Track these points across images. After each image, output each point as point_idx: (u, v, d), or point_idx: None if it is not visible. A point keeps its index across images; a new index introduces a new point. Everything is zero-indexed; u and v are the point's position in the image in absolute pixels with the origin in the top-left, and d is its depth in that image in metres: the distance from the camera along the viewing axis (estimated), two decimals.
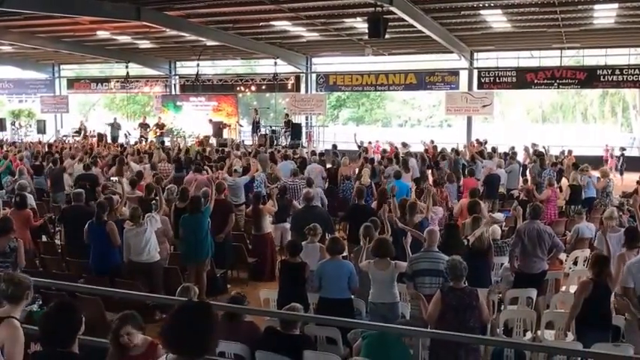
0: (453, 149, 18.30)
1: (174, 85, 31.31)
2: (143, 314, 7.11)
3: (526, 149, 18.03)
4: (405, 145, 20.07)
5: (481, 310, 5.25)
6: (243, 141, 26.34)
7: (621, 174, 20.28)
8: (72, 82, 33.34)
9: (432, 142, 20.95)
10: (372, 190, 11.58)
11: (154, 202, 9.21)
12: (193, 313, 2.78)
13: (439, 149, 18.63)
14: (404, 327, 5.38)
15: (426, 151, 18.57)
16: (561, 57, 24.95)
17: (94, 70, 34.30)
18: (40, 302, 6.68)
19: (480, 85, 25.61)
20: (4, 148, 19.56)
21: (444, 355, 5.08)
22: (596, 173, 13.35)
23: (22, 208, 8.96)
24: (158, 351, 4.00)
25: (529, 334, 6.38)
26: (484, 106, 25.66)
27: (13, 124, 31.35)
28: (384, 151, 19.16)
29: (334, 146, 20.16)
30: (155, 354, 3.98)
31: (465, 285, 5.31)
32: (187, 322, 2.73)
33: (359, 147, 19.01)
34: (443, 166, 15.24)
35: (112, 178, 12.41)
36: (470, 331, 5.07)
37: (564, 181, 14.45)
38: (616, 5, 16.84)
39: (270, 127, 27.85)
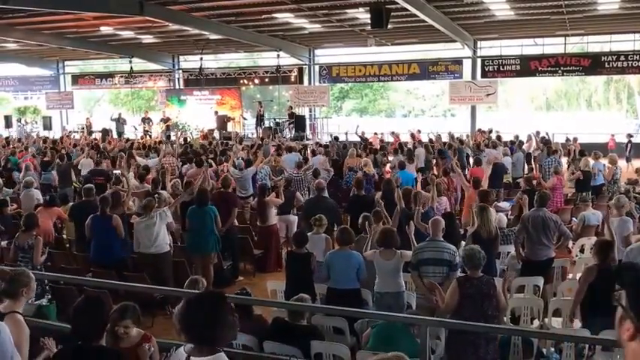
0: (450, 135, 18.28)
1: (178, 79, 31.29)
2: (152, 307, 7.26)
3: (530, 137, 17.96)
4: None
5: (498, 298, 5.22)
6: (245, 134, 26.37)
7: (628, 161, 20.19)
8: (76, 78, 33.41)
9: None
10: (375, 180, 11.55)
11: (156, 195, 9.25)
12: (208, 303, 2.84)
13: (442, 139, 18.61)
14: (411, 316, 5.39)
15: (431, 141, 18.54)
16: (565, 44, 24.74)
17: (98, 65, 34.32)
18: (50, 296, 6.74)
19: (484, 74, 25.51)
20: (12, 145, 19.65)
21: (463, 345, 5.02)
22: (604, 161, 13.31)
23: (51, 205, 9.44)
24: (151, 343, 4.10)
25: (536, 322, 6.39)
26: (488, 94, 25.58)
27: (19, 120, 31.48)
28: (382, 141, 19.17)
29: (336, 138, 20.01)
30: (144, 348, 4.06)
31: (481, 274, 5.28)
32: (203, 312, 2.79)
33: (361, 138, 18.98)
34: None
35: (115, 172, 12.44)
36: (489, 320, 5.03)
37: (565, 169, 14.41)
38: None
39: (274, 119, 27.82)
